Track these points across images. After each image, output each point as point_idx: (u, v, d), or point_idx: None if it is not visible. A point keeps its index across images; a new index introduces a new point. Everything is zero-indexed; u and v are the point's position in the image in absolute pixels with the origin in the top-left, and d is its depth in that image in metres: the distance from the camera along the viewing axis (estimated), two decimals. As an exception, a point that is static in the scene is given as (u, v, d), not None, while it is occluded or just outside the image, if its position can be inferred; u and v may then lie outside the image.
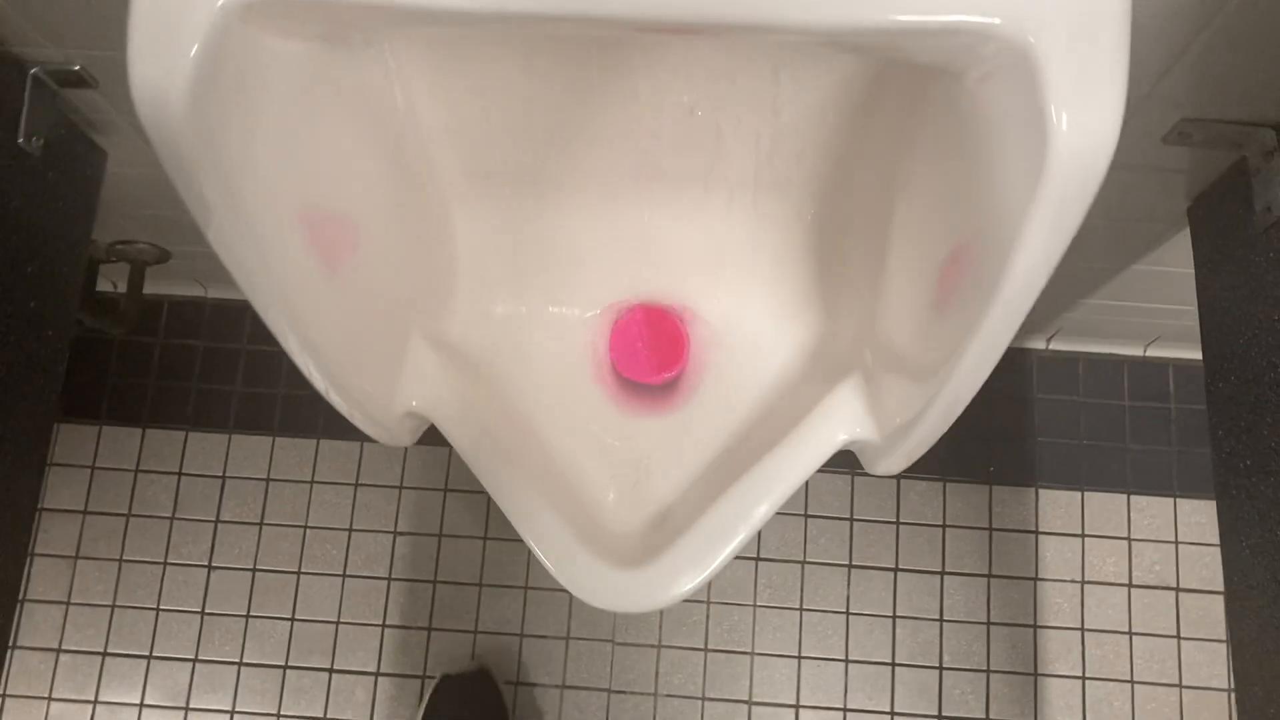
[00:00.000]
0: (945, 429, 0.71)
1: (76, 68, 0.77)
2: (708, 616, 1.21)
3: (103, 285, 1.29)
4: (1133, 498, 1.23)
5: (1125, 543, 1.22)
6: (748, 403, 0.88)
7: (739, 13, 0.45)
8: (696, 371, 0.89)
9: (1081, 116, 0.45)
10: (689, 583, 0.76)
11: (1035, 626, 1.20)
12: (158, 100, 0.47)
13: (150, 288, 1.29)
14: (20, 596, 1.24)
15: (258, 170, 0.58)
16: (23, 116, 0.76)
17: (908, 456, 0.76)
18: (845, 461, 1.23)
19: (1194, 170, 0.83)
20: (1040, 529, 1.22)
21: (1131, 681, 1.19)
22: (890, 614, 1.21)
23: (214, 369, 1.30)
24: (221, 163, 0.53)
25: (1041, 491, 1.23)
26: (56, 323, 0.83)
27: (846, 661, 1.19)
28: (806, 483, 1.21)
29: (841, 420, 0.78)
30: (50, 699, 1.22)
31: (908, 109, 0.64)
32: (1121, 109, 0.45)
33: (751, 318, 0.88)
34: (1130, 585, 1.21)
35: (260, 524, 1.25)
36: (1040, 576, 1.21)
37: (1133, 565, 1.21)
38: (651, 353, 0.88)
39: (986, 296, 0.58)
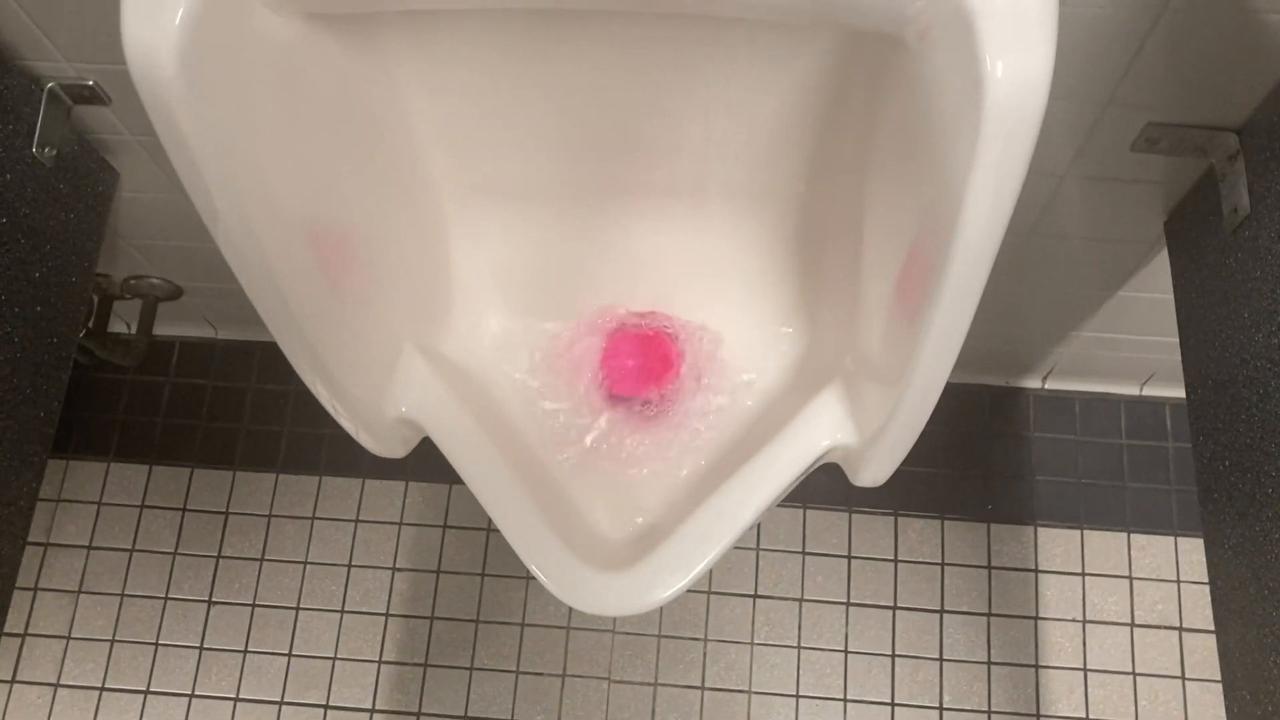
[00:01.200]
0: (917, 432, 0.71)
1: (90, 83, 0.81)
2: (705, 654, 1.20)
3: (116, 327, 1.32)
4: (1133, 536, 1.22)
5: (1126, 581, 1.20)
6: (736, 412, 0.90)
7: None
8: (685, 384, 0.90)
9: (1015, 62, 0.47)
10: (672, 586, 0.76)
11: (1037, 666, 1.18)
12: (148, 60, 0.51)
13: (162, 328, 1.32)
14: (22, 629, 1.25)
15: (253, 155, 0.60)
16: (37, 127, 0.80)
17: (889, 461, 0.77)
18: (842, 499, 1.24)
19: (1167, 182, 0.85)
20: (1040, 567, 1.21)
21: (1138, 726, 1.17)
22: (889, 653, 1.19)
23: (222, 407, 1.32)
24: (215, 134, 0.56)
25: (1040, 530, 1.23)
26: (62, 330, 0.86)
27: (845, 701, 1.18)
28: (804, 519, 1.22)
29: (823, 426, 0.79)
30: (46, 735, 1.22)
31: (872, 97, 0.67)
32: (1053, 51, 0.48)
33: (739, 329, 0.90)
34: (1133, 625, 1.19)
35: (261, 559, 1.26)
36: (1041, 615, 1.20)
37: (1134, 604, 1.20)
38: (641, 366, 0.90)
39: (936, 280, 0.59)
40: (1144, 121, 0.77)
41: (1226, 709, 0.78)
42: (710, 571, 1.18)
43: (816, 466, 0.81)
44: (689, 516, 0.78)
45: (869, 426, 0.77)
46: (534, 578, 0.77)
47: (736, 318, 0.90)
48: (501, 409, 0.90)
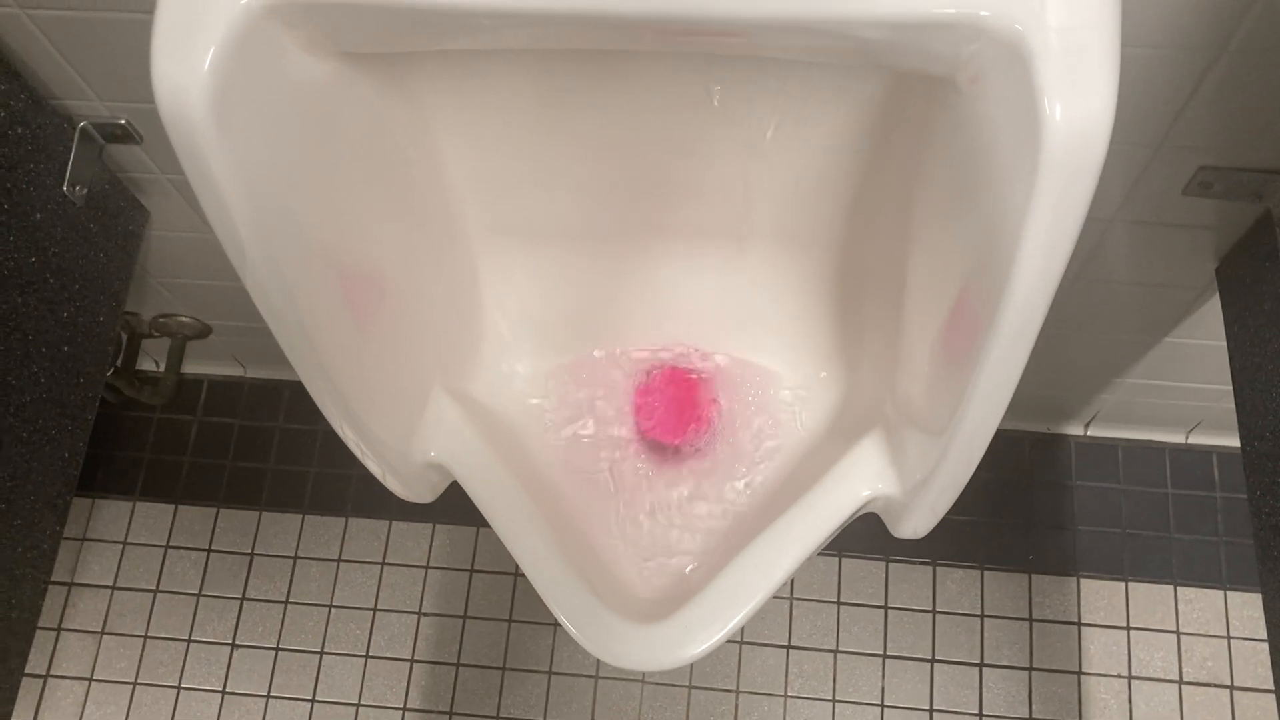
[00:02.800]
0: (963, 482, 0.69)
1: (123, 121, 0.81)
2: (736, 706, 1.17)
3: (145, 364, 1.32)
4: (1180, 589, 1.18)
5: (1174, 636, 1.16)
6: (767, 461, 0.87)
7: (721, 8, 0.47)
8: (719, 429, 0.88)
9: (1074, 105, 0.45)
10: (705, 641, 0.74)
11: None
12: (179, 102, 0.49)
13: (191, 367, 1.31)
14: (44, 671, 1.23)
15: (283, 196, 0.59)
16: (69, 166, 0.80)
17: (931, 513, 0.75)
18: (879, 547, 1.20)
19: (1220, 227, 0.82)
20: (1083, 620, 1.17)
21: (1187, 787, 1.13)
22: (927, 707, 1.16)
23: (249, 447, 1.31)
24: (245, 177, 0.55)
25: (1084, 581, 1.19)
26: (89, 371, 0.85)
27: (881, 757, 1.14)
28: (839, 569, 1.19)
29: (863, 476, 0.77)
30: (66, 779, 1.20)
31: (917, 139, 0.65)
32: (1115, 93, 0.46)
33: (773, 374, 0.88)
34: (1181, 682, 1.15)
35: (285, 602, 1.24)
36: (1084, 670, 1.16)
37: (1182, 660, 1.16)
38: (673, 412, 0.88)
39: (987, 328, 0.57)
40: (1196, 165, 0.74)
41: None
42: (742, 621, 1.15)
43: (856, 517, 0.79)
44: (723, 569, 0.75)
45: (912, 477, 0.74)
46: (562, 627, 0.75)
47: (772, 361, 0.88)
48: (530, 453, 0.88)
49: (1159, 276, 0.90)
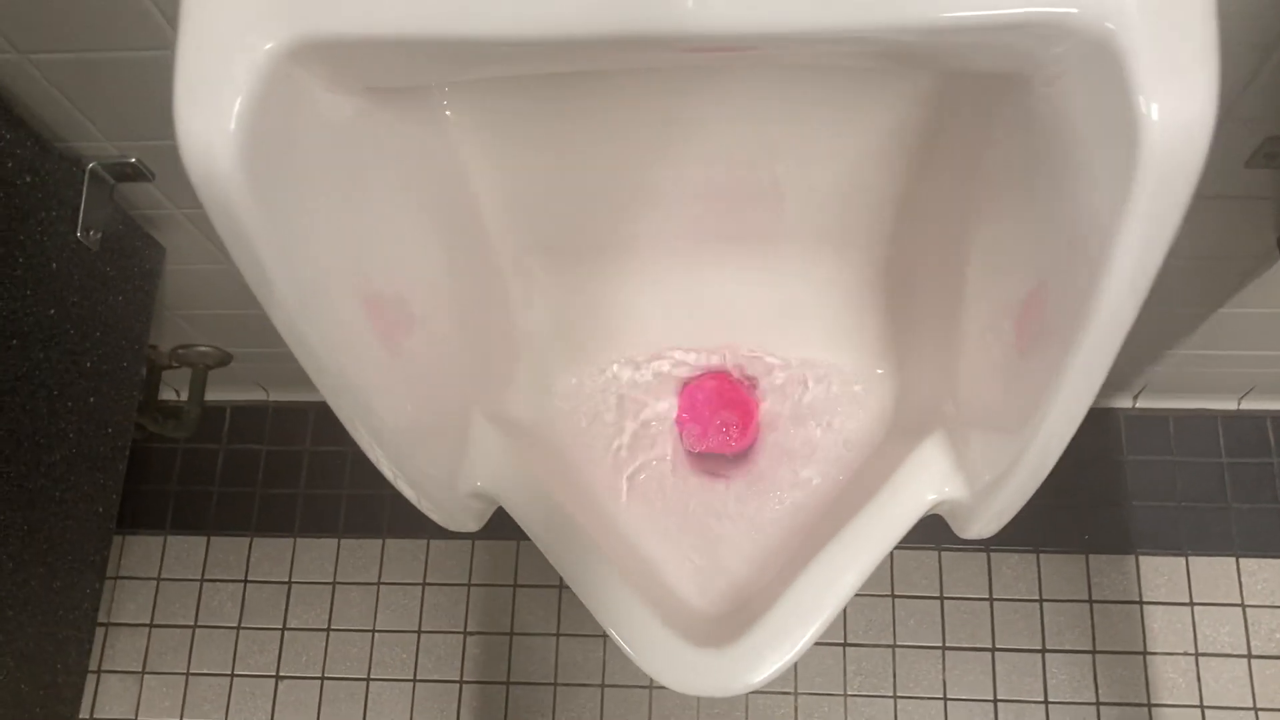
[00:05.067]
0: (1039, 482, 0.66)
1: (133, 160, 0.78)
2: (796, 709, 1.14)
3: (166, 394, 1.29)
4: (1242, 560, 1.15)
5: (1239, 609, 1.13)
6: (823, 468, 0.84)
7: (790, 21, 0.43)
8: (767, 438, 0.85)
9: (1172, 104, 0.42)
10: (775, 663, 0.71)
11: (1150, 705, 1.11)
12: (205, 152, 0.46)
13: (213, 394, 1.28)
14: (87, 715, 1.21)
15: (314, 240, 0.56)
16: (80, 210, 0.76)
17: (1001, 516, 0.72)
18: (931, 536, 1.17)
19: (1282, 197, 0.79)
20: (1145, 599, 1.14)
21: (1260, 762, 1.10)
22: (991, 698, 1.13)
23: (278, 472, 1.28)
24: (276, 227, 0.52)
25: (1142, 558, 1.16)
26: (117, 419, 0.82)
27: (947, 751, 1.12)
28: (891, 561, 1.16)
29: (928, 479, 0.74)
30: (118, 823, 1.18)
31: (976, 134, 0.62)
32: (1216, 91, 0.42)
33: (821, 378, 0.85)
34: (1250, 656, 1.12)
35: (328, 629, 1.22)
36: (1149, 650, 1.13)
37: (1250, 633, 1.13)
38: (720, 423, 0.85)
39: (1074, 329, 0.54)
40: (1262, 137, 0.71)
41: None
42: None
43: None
44: (788, 587, 0.73)
45: (981, 478, 0.71)
46: (619, 647, 0.72)
47: (821, 364, 0.85)
48: (575, 472, 0.85)
49: (1218, 249, 0.86)
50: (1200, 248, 0.86)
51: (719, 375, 0.87)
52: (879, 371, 0.84)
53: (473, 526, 0.81)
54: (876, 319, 0.84)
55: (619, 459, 0.85)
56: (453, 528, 0.80)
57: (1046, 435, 0.61)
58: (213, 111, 0.46)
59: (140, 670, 1.23)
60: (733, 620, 0.75)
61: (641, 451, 0.85)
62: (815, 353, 0.85)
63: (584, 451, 0.86)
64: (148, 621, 1.24)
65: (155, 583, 1.25)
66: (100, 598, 0.81)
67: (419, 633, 1.21)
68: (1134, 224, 0.46)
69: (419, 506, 0.76)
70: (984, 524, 0.73)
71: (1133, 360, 1.11)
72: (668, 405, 0.86)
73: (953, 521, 0.77)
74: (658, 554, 0.82)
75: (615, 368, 0.86)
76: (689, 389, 0.86)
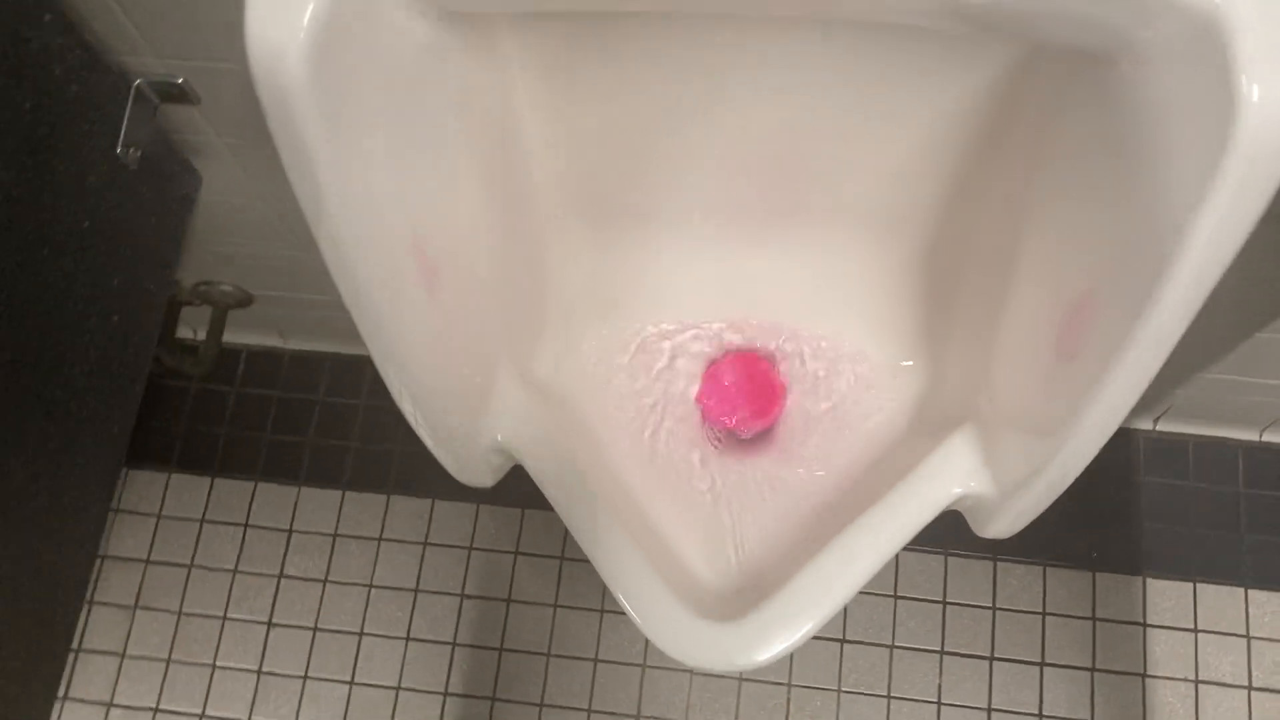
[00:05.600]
0: (1064, 488, 0.66)
1: (180, 81, 0.76)
2: (788, 701, 1.13)
3: (183, 332, 1.28)
4: (1250, 592, 1.14)
5: (1244, 640, 1.13)
6: (847, 452, 0.83)
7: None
8: (792, 418, 0.84)
9: (1274, 86, 0.41)
10: (783, 642, 0.71)
11: (1146, 727, 1.11)
12: (274, 57, 0.45)
13: (230, 336, 1.27)
14: (75, 645, 1.20)
15: (370, 165, 0.55)
16: (123, 127, 0.75)
17: (1022, 517, 0.71)
18: (939, 540, 1.17)
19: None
20: (1149, 621, 1.14)
21: (1251, 796, 1.09)
22: (985, 706, 1.12)
23: (288, 420, 1.27)
24: (337, 145, 0.51)
25: (1150, 581, 1.15)
26: (137, 342, 0.82)
27: (937, 756, 1.11)
28: (897, 562, 1.15)
29: (954, 473, 0.73)
30: (97, 755, 1.18)
31: (1046, 118, 0.60)
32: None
33: (852, 361, 0.84)
34: (1250, 688, 1.11)
35: (325, 580, 1.21)
36: (1149, 673, 1.12)
37: (1252, 665, 1.12)
38: (745, 400, 0.84)
39: (1123, 339, 0.53)
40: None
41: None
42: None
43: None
44: (802, 568, 0.72)
45: (1009, 477, 0.70)
46: (626, 617, 0.72)
47: (855, 347, 0.84)
48: (597, 437, 0.84)
49: (1261, 269, 0.85)
50: (1243, 265, 0.85)
51: (747, 353, 0.86)
52: (911, 362, 0.83)
53: (488, 482, 0.80)
54: (916, 308, 0.83)
55: (640, 427, 0.85)
56: (465, 480, 0.79)
57: (1079, 442, 0.60)
58: (284, 17, 0.45)
59: (133, 605, 1.22)
60: (742, 597, 0.75)
61: (664, 422, 0.85)
62: (850, 337, 0.84)
63: (605, 416, 0.85)
64: (144, 557, 1.23)
65: (155, 519, 1.24)
66: (106, 516, 0.80)
67: (416, 591, 1.20)
68: (1213, 214, 0.45)
69: (435, 454, 0.75)
70: (1005, 524, 0.72)
71: (1159, 381, 1.10)
72: (693, 378, 0.85)
73: (972, 518, 0.76)
74: (670, 524, 0.81)
75: (645, 335, 0.85)
76: (716, 365, 0.85)
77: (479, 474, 0.79)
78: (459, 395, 0.74)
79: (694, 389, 0.85)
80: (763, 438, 0.84)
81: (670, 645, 0.70)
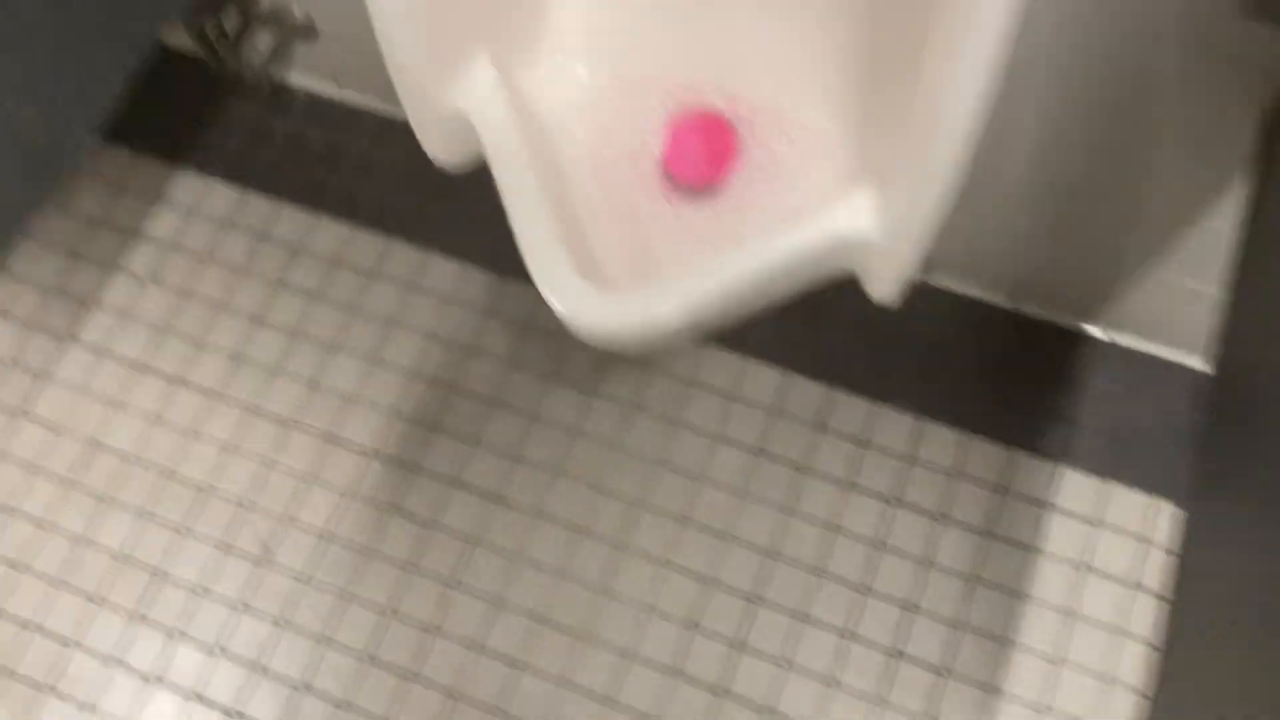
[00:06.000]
0: (941, 202, 0.69)
1: None
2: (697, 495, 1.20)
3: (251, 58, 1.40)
4: (1163, 502, 1.18)
5: (1146, 546, 1.16)
6: (780, 207, 0.89)
7: None
8: (740, 175, 0.90)
9: None
10: (668, 305, 0.76)
11: (1020, 594, 1.16)
12: None
13: (290, 78, 1.40)
14: (90, 297, 1.34)
15: None
16: None
17: (905, 262, 0.75)
18: (882, 393, 1.21)
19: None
20: (1057, 505, 1.18)
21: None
22: (876, 540, 1.18)
23: (331, 159, 1.42)
24: None
25: (1068, 470, 1.19)
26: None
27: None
28: (833, 398, 1.20)
29: (849, 212, 0.78)
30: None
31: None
32: None
33: (809, 125, 0.89)
34: (1140, 589, 1.15)
35: (316, 294, 1.34)
36: (1040, 548, 1.17)
37: (1145, 570, 1.15)
38: (700, 154, 0.90)
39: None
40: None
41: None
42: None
43: (841, 268, 0.80)
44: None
45: (892, 215, 0.75)
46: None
47: (810, 113, 0.89)
48: (555, 146, 0.91)
49: (1199, 135, 0.88)
50: (1185, 114, 0.89)
51: (710, 113, 0.92)
52: (861, 137, 0.89)
53: (455, 158, 0.87)
54: (859, 83, 0.88)
55: (597, 153, 0.91)
56: (434, 150, 0.86)
57: (944, 135, 0.65)
58: None
59: (149, 279, 1.37)
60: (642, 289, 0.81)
61: (618, 158, 0.91)
62: (813, 105, 0.90)
63: (566, 133, 0.92)
64: (171, 240, 1.38)
65: (187, 211, 1.39)
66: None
67: (396, 325, 1.32)
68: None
69: (403, 103, 0.83)
70: (891, 271, 0.77)
71: (1108, 276, 1.14)
72: (657, 121, 0.92)
73: (865, 276, 0.81)
74: (596, 233, 0.88)
75: (623, 71, 0.91)
76: (679, 119, 0.91)
77: (447, 146, 0.86)
78: (432, 49, 0.81)
79: (657, 134, 0.91)
80: (711, 189, 0.90)
81: (566, 307, 0.77)
